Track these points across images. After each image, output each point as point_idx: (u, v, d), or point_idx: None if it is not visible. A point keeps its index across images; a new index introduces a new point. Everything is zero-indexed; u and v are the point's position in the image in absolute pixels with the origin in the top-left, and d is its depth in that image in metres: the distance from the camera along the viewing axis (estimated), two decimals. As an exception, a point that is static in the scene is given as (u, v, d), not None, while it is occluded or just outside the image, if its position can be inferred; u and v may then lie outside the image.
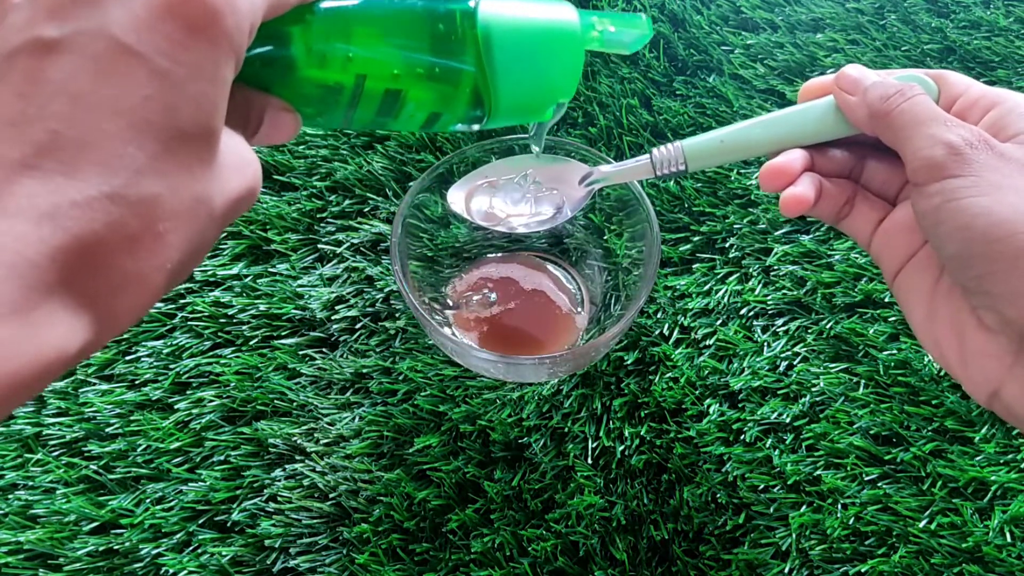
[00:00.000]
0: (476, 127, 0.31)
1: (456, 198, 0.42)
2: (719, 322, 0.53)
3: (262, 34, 0.25)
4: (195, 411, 0.50)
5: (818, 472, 0.48)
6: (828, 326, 0.53)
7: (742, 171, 0.59)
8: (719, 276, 0.55)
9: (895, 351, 0.51)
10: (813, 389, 0.50)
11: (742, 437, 0.49)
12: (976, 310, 0.29)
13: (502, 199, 0.42)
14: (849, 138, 0.35)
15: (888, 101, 0.31)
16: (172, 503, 0.47)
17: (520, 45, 0.29)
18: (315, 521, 0.47)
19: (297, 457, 0.49)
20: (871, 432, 0.49)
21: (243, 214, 0.24)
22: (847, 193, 0.35)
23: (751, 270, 0.55)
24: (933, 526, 0.46)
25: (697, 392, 0.51)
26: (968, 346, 0.30)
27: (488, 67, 0.28)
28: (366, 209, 0.58)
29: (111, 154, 0.20)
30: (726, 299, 0.54)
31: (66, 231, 0.19)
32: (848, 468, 0.48)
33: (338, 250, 0.56)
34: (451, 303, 0.51)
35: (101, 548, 0.46)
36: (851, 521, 0.46)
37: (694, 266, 0.56)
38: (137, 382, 0.51)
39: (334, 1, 0.27)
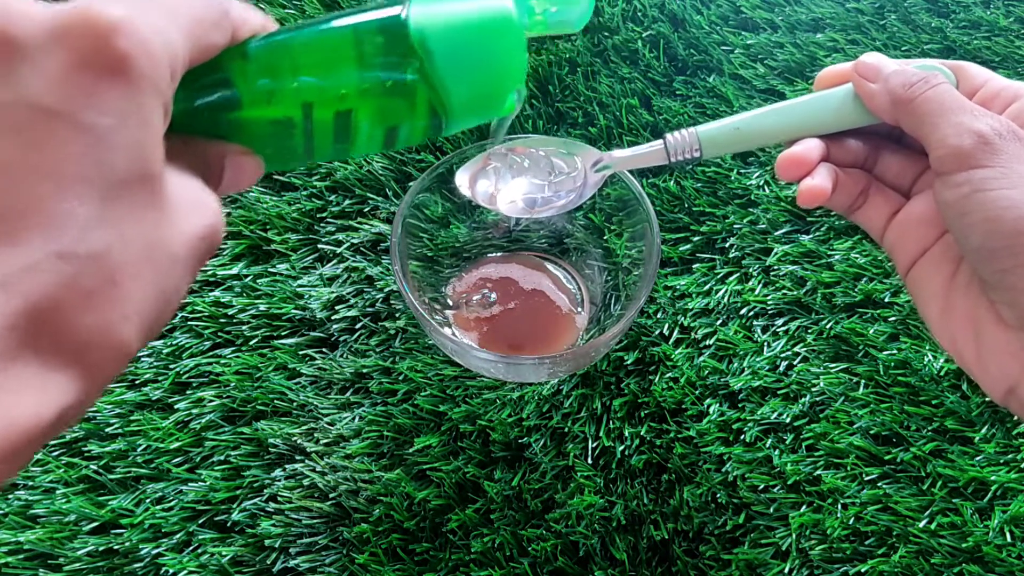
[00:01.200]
0: (439, 134, 0.31)
1: (463, 180, 0.41)
2: (719, 322, 0.53)
3: (203, 82, 0.25)
4: (195, 411, 0.50)
5: (818, 472, 0.48)
6: (828, 326, 0.53)
7: (742, 171, 0.59)
8: (719, 276, 0.55)
9: (895, 351, 0.51)
10: (813, 389, 0.50)
11: (742, 437, 0.49)
12: (996, 305, 0.29)
13: (511, 183, 0.41)
14: (863, 128, 0.35)
15: (912, 88, 0.31)
16: (172, 503, 0.47)
17: (459, 43, 0.29)
18: (315, 521, 0.47)
19: (297, 457, 0.49)
20: (871, 432, 0.49)
21: (210, 255, 0.24)
22: (861, 184, 0.34)
23: (751, 270, 0.55)
24: (933, 526, 0.46)
25: (697, 392, 0.51)
26: (985, 342, 0.29)
27: (432, 72, 0.28)
28: (366, 209, 0.58)
29: (52, 215, 0.19)
30: (726, 299, 0.54)
31: (20, 296, 0.19)
32: (848, 468, 0.48)
33: (338, 250, 0.56)
34: (451, 303, 0.51)
35: (101, 548, 0.46)
36: (851, 521, 0.46)
37: (694, 266, 0.56)
38: (137, 382, 0.51)
39: (267, 35, 0.27)
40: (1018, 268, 0.27)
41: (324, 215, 0.57)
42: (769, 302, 0.54)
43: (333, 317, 0.53)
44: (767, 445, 0.49)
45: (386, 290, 0.54)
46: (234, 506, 0.47)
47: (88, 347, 0.20)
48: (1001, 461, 0.48)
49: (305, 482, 0.48)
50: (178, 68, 0.22)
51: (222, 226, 0.25)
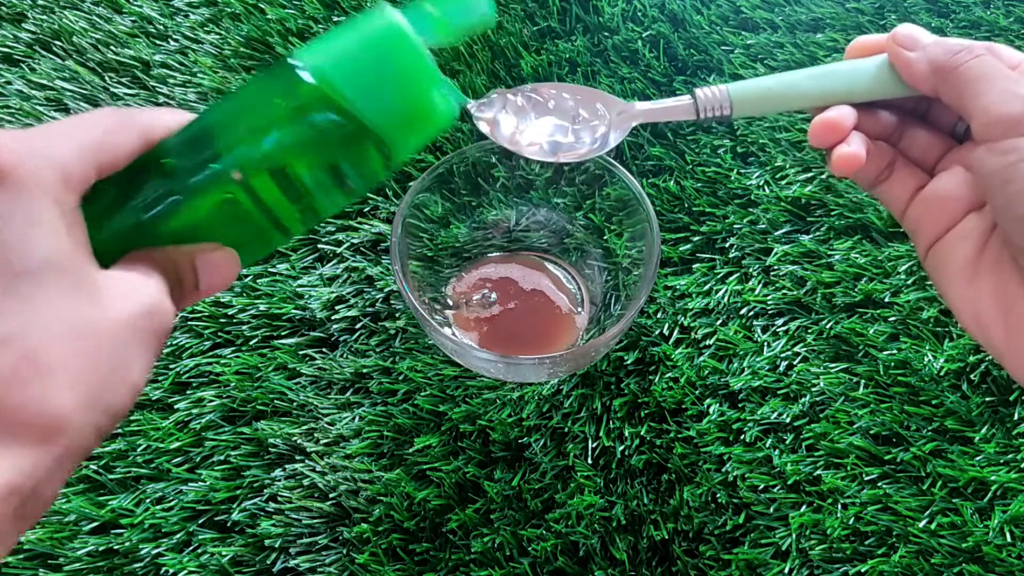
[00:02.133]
0: (393, 160, 0.31)
1: (484, 119, 0.37)
2: (719, 322, 0.53)
3: (138, 193, 0.27)
4: (195, 411, 0.50)
5: (818, 472, 0.48)
6: (828, 326, 0.53)
7: (742, 171, 0.59)
8: (719, 276, 0.55)
9: (895, 351, 0.51)
10: (813, 389, 0.50)
11: (742, 437, 0.49)
12: None
13: (533, 123, 0.38)
14: (891, 102, 0.34)
15: (955, 57, 0.30)
16: (172, 503, 0.47)
17: (355, 68, 0.29)
18: (315, 521, 0.47)
19: (297, 457, 0.49)
20: (871, 432, 0.49)
21: (162, 336, 0.25)
22: (888, 157, 0.34)
23: (751, 270, 0.55)
24: (933, 526, 0.46)
25: (697, 392, 0.51)
26: (1017, 320, 0.29)
27: (346, 104, 0.28)
28: (366, 209, 0.58)
29: None
30: (726, 299, 0.54)
31: None
32: (848, 468, 0.48)
33: (338, 250, 0.56)
34: (451, 303, 0.51)
35: (101, 548, 0.46)
36: (851, 521, 0.46)
37: (694, 266, 0.56)
38: (137, 382, 0.51)
39: (182, 128, 0.28)
40: None
41: (324, 215, 0.57)
42: (769, 302, 0.54)
43: (333, 317, 0.53)
44: (767, 445, 0.49)
45: (386, 290, 0.54)
46: (234, 506, 0.47)
47: (19, 423, 0.22)
48: (1001, 461, 0.48)
49: (305, 482, 0.48)
50: (73, 172, 0.24)
51: (164, 307, 0.26)
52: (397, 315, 0.54)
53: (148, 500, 0.47)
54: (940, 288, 0.32)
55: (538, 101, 0.38)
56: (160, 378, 0.51)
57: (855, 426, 0.49)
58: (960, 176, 0.32)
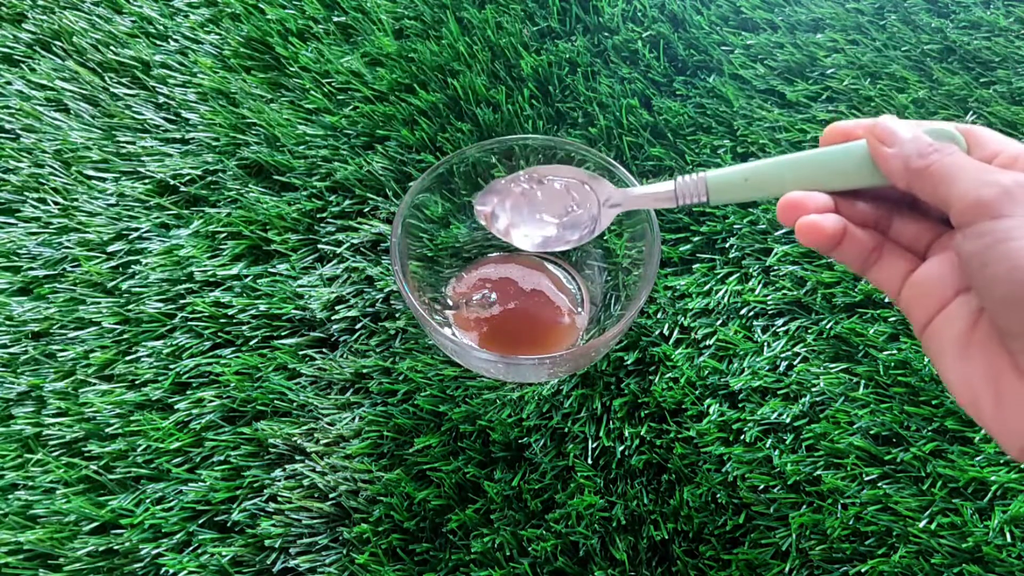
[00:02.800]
0: None
1: (482, 212, 0.43)
2: (719, 322, 0.53)
3: None
4: (195, 411, 0.50)
5: (818, 472, 0.48)
6: (828, 326, 0.53)
7: (742, 171, 0.59)
8: (719, 276, 0.55)
9: (895, 351, 0.51)
10: (813, 389, 0.50)
11: (742, 437, 0.49)
12: (1016, 356, 0.28)
13: (526, 217, 0.43)
14: (878, 191, 0.34)
15: (927, 158, 0.31)
16: (172, 503, 0.47)
17: None
18: (315, 521, 0.47)
19: (297, 457, 0.49)
20: (871, 432, 0.49)
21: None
22: (874, 242, 0.34)
23: (751, 270, 0.55)
24: (933, 526, 0.46)
25: (697, 392, 0.51)
26: (1005, 396, 0.29)
27: None
28: (366, 209, 0.58)
29: None
30: (726, 299, 0.54)
31: None
32: (848, 468, 0.48)
33: (338, 250, 0.56)
34: (451, 303, 0.51)
35: (101, 548, 0.46)
36: (851, 521, 0.46)
37: (694, 266, 0.56)
38: (137, 382, 0.51)
39: None
40: None
41: (324, 215, 0.57)
42: (769, 302, 0.54)
43: (333, 317, 0.53)
44: (767, 445, 0.49)
45: (386, 290, 0.54)
46: (234, 506, 0.47)
47: None
48: (1001, 461, 0.48)
49: (305, 482, 0.48)
50: None
51: None
52: (397, 315, 0.54)
53: (148, 500, 0.47)
54: (935, 365, 0.33)
55: (532, 194, 0.42)
56: (160, 378, 0.51)
57: (855, 426, 0.49)
58: (948, 260, 0.32)
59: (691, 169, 0.59)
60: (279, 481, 0.48)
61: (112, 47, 0.65)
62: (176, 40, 0.66)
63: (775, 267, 0.55)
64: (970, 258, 0.29)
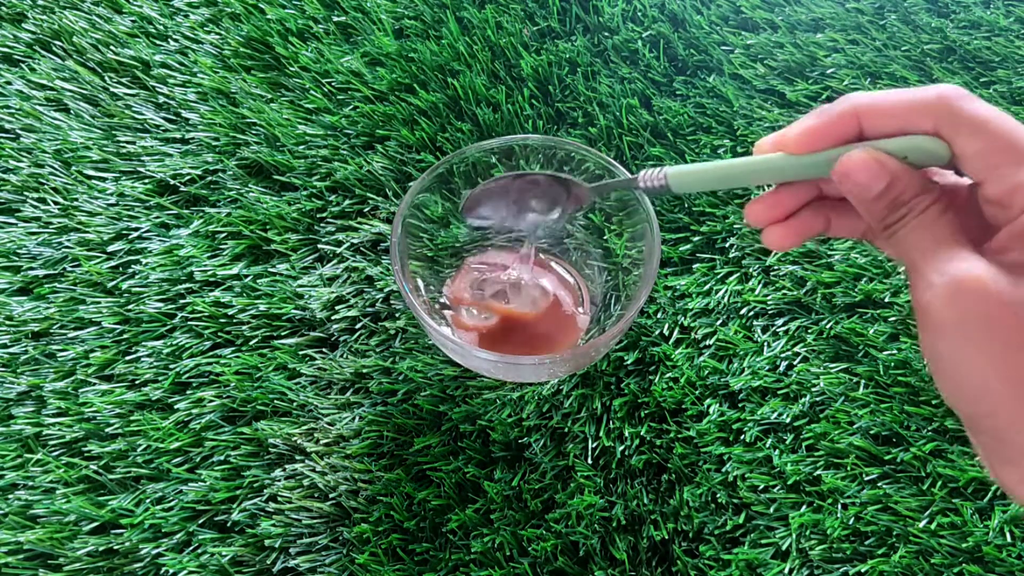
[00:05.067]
0: None
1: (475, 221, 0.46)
2: (719, 322, 0.53)
3: None
4: (195, 411, 0.50)
5: (818, 472, 0.48)
6: (828, 326, 0.53)
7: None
8: (719, 276, 0.55)
9: (895, 351, 0.51)
10: (813, 389, 0.50)
11: (742, 437, 0.49)
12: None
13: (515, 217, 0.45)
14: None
15: (893, 226, 0.28)
16: (172, 503, 0.47)
17: None
18: (315, 521, 0.47)
19: (297, 457, 0.49)
20: (871, 432, 0.49)
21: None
22: (819, 219, 0.33)
23: (751, 270, 0.55)
24: (933, 526, 0.46)
25: (697, 392, 0.51)
26: None
27: None
28: (366, 209, 0.58)
29: None
30: (726, 299, 0.54)
31: None
32: (848, 468, 0.48)
33: (338, 250, 0.56)
34: (448, 303, 0.51)
35: (101, 548, 0.46)
36: (851, 521, 0.46)
37: (694, 266, 0.56)
38: (137, 382, 0.51)
39: None
40: (983, 444, 0.27)
41: (324, 215, 0.57)
42: (769, 302, 0.54)
43: (333, 317, 0.53)
44: (767, 445, 0.49)
45: (386, 290, 0.54)
46: (234, 506, 0.47)
47: None
48: (1001, 461, 0.47)
49: (305, 482, 0.48)
50: None
51: None
52: (397, 315, 0.54)
53: (148, 500, 0.47)
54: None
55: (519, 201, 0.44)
56: (160, 378, 0.51)
57: (855, 426, 0.49)
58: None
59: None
60: (279, 481, 0.48)
61: (112, 47, 0.65)
62: (176, 40, 0.66)
63: (775, 267, 0.55)
64: (923, 324, 0.27)
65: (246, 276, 0.55)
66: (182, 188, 0.59)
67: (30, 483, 0.48)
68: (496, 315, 0.50)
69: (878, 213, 0.29)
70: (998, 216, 0.27)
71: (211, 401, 0.50)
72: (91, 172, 0.59)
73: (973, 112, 0.26)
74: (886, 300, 0.53)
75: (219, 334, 0.53)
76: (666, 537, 0.46)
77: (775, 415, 0.50)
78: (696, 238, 0.56)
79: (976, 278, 0.25)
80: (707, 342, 0.52)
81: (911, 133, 0.28)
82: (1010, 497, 0.27)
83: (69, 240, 0.56)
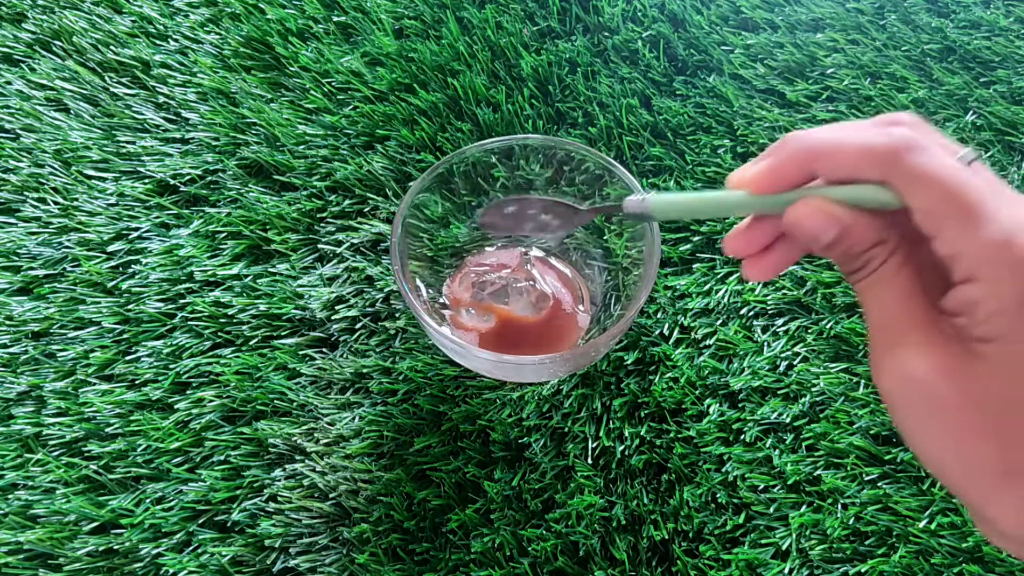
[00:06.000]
0: None
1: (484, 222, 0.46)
2: (719, 322, 0.53)
3: None
4: (195, 411, 0.50)
5: (818, 472, 0.48)
6: (828, 326, 0.53)
7: (742, 171, 0.59)
8: (719, 276, 0.55)
9: (895, 351, 0.51)
10: (813, 389, 0.50)
11: (742, 437, 0.49)
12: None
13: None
14: None
15: (852, 276, 0.28)
16: (172, 503, 0.47)
17: None
18: (315, 521, 0.47)
19: (297, 457, 0.49)
20: (871, 432, 0.49)
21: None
22: (793, 251, 0.32)
23: (751, 270, 0.55)
24: (933, 526, 0.46)
25: (697, 392, 0.51)
26: None
27: None
28: (366, 209, 0.58)
29: None
30: (726, 299, 0.54)
31: None
32: (848, 468, 0.48)
33: (338, 250, 0.56)
34: (447, 302, 0.51)
35: (101, 548, 0.46)
36: (851, 521, 0.46)
37: (694, 266, 0.56)
38: (137, 382, 0.51)
39: None
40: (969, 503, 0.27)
41: (324, 215, 0.57)
42: (769, 302, 0.54)
43: (333, 317, 0.53)
44: (767, 445, 0.49)
45: (386, 290, 0.54)
46: (234, 506, 0.47)
47: None
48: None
49: (305, 482, 0.48)
50: None
51: None
52: (397, 315, 0.54)
53: (148, 500, 0.47)
54: None
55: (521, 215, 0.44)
56: (160, 378, 0.51)
57: (855, 426, 0.49)
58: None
59: (690, 169, 0.59)
60: (279, 481, 0.48)
61: (112, 47, 0.65)
62: (176, 40, 0.66)
63: (775, 267, 0.55)
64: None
65: (246, 276, 0.55)
66: (182, 188, 0.59)
67: (30, 483, 0.48)
68: (495, 316, 0.50)
69: (836, 260, 0.29)
70: (950, 272, 0.26)
71: (211, 401, 0.50)
72: (91, 172, 0.59)
73: (923, 166, 0.25)
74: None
75: (219, 334, 0.53)
76: (666, 537, 0.46)
77: (775, 415, 0.50)
78: (696, 238, 0.56)
79: (920, 377, 0.25)
80: (707, 342, 0.52)
81: (862, 181, 0.27)
82: (993, 545, 0.29)
83: (69, 240, 0.56)
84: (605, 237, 0.52)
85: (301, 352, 0.52)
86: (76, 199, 0.58)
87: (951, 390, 0.25)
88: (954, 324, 0.26)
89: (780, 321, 0.53)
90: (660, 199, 0.36)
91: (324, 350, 0.53)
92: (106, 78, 0.64)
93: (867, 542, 0.46)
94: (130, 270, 0.55)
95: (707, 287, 0.54)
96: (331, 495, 0.48)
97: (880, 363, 0.27)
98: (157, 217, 0.57)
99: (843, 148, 0.27)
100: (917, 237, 0.27)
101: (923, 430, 0.26)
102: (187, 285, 0.54)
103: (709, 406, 0.50)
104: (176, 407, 0.50)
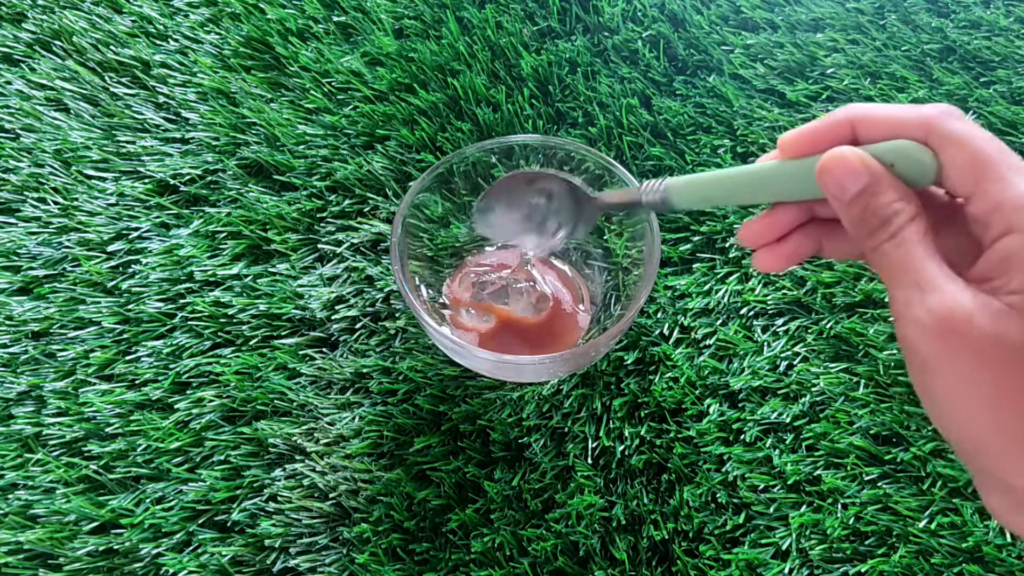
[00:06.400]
0: None
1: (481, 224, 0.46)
2: (719, 322, 0.53)
3: None
4: (195, 411, 0.50)
5: (818, 472, 0.48)
6: (828, 326, 0.53)
7: (742, 171, 0.59)
8: (719, 276, 0.55)
9: (895, 351, 0.51)
10: (813, 389, 0.50)
11: (742, 437, 0.49)
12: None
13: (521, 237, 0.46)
14: None
15: (872, 237, 0.28)
16: (172, 503, 0.47)
17: None
18: (315, 521, 0.47)
19: (297, 457, 0.49)
20: (871, 432, 0.49)
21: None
22: (812, 239, 0.33)
23: (751, 270, 0.55)
24: (933, 526, 0.46)
25: (697, 392, 0.51)
26: None
27: None
28: (366, 209, 0.58)
29: None
30: (726, 299, 0.54)
31: None
32: (848, 468, 0.48)
33: (338, 250, 0.56)
34: (447, 302, 0.51)
35: (101, 548, 0.46)
36: (851, 521, 0.46)
37: (694, 266, 0.56)
38: (137, 382, 0.51)
39: None
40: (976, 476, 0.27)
41: (324, 215, 0.57)
42: (769, 302, 0.54)
43: (333, 317, 0.53)
44: (767, 445, 0.49)
45: (386, 290, 0.54)
46: (234, 506, 0.47)
47: None
48: (1001, 461, 0.47)
49: (305, 482, 0.48)
50: None
51: None
52: (397, 315, 0.54)
53: (148, 500, 0.47)
54: None
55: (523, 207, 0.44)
56: (160, 378, 0.51)
57: (855, 426, 0.49)
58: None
59: (690, 169, 0.59)
60: (279, 481, 0.48)
61: (112, 47, 0.65)
62: (176, 40, 0.66)
63: (775, 267, 0.55)
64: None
65: (246, 276, 0.55)
66: (182, 188, 0.59)
67: (30, 483, 0.48)
68: (495, 317, 0.50)
69: (856, 218, 0.28)
70: (983, 236, 0.27)
71: (211, 401, 0.50)
72: (91, 172, 0.59)
73: (962, 127, 0.27)
74: (886, 300, 0.53)
75: (219, 334, 0.53)
76: (666, 537, 0.46)
77: (775, 415, 0.50)
78: (696, 238, 0.56)
79: (963, 315, 0.25)
80: (707, 342, 0.52)
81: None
82: (998, 521, 0.28)
83: (69, 240, 0.56)
84: (605, 237, 0.52)
85: (301, 352, 0.52)
86: (76, 199, 0.58)
87: (992, 346, 0.24)
88: (984, 290, 0.25)
89: (780, 321, 0.53)
90: (679, 181, 0.35)
91: (324, 350, 0.53)
92: (106, 78, 0.64)
93: (867, 542, 0.46)
94: (130, 270, 0.55)
95: (707, 287, 0.54)
96: (331, 495, 0.48)
97: (912, 311, 0.26)
98: (157, 217, 0.57)
99: (887, 111, 0.28)
100: (941, 217, 0.27)
101: (958, 383, 0.25)
102: (187, 285, 0.54)
103: (709, 406, 0.50)
104: (176, 407, 0.50)
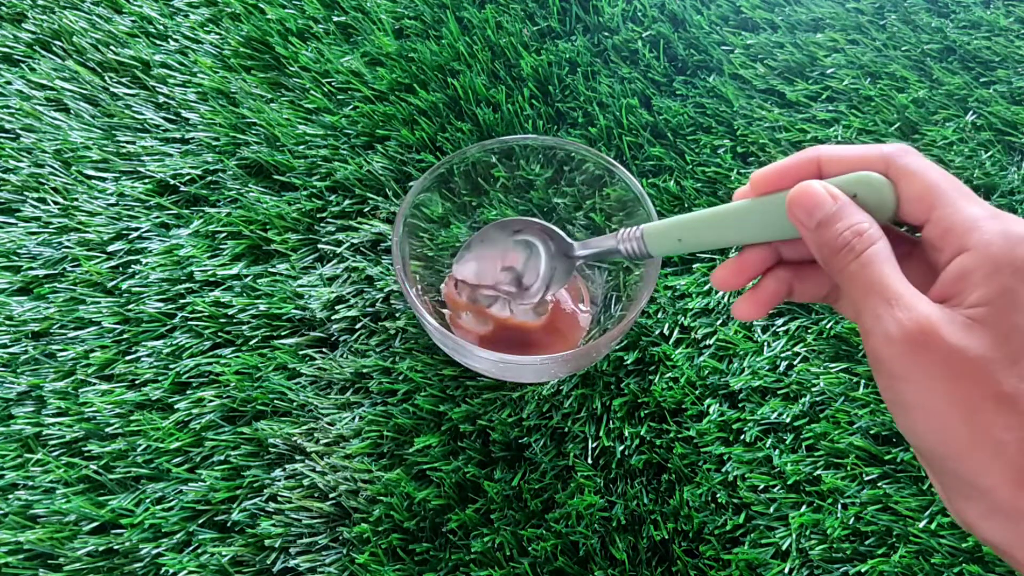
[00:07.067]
0: None
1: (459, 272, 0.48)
2: (719, 322, 0.53)
3: None
4: (195, 411, 0.50)
5: (818, 472, 0.48)
6: (828, 326, 0.53)
7: (742, 171, 0.59)
8: (719, 276, 0.55)
9: (895, 351, 0.51)
10: (813, 389, 0.50)
11: (742, 437, 0.49)
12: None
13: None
14: None
15: (840, 258, 0.29)
16: (172, 503, 0.47)
17: None
18: (315, 521, 0.47)
19: (297, 457, 0.49)
20: (871, 432, 0.49)
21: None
22: (783, 283, 0.34)
23: (751, 270, 0.55)
24: (933, 526, 0.46)
25: (697, 392, 0.51)
26: None
27: None
28: (366, 209, 0.58)
29: None
30: (726, 299, 0.54)
31: None
32: (848, 468, 0.48)
33: (338, 250, 0.56)
34: (444, 300, 0.51)
35: (101, 548, 0.46)
36: (851, 521, 0.46)
37: (694, 266, 0.56)
38: (137, 382, 0.51)
39: None
40: (944, 484, 0.28)
41: (324, 215, 0.57)
42: (769, 302, 0.54)
43: (333, 317, 0.53)
44: (767, 445, 0.49)
45: (386, 290, 0.54)
46: (234, 506, 0.47)
47: None
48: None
49: (305, 482, 0.48)
50: None
51: None
52: (397, 315, 0.54)
53: (148, 500, 0.47)
54: None
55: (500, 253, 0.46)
56: (160, 378, 0.51)
57: (855, 426, 0.49)
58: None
59: (690, 169, 0.59)
60: (279, 481, 0.48)
61: (112, 47, 0.65)
62: (176, 40, 0.66)
63: (775, 267, 0.55)
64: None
65: (246, 276, 0.55)
66: (182, 188, 0.59)
67: (30, 483, 0.48)
68: (493, 320, 0.50)
69: (824, 242, 0.30)
70: (938, 261, 0.28)
71: (211, 401, 0.50)
72: (91, 172, 0.59)
73: (917, 161, 0.29)
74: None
75: (219, 334, 0.53)
76: (666, 537, 0.46)
77: (775, 415, 0.50)
78: (696, 238, 0.56)
79: (932, 329, 0.26)
80: (707, 342, 0.52)
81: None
82: (969, 531, 0.28)
83: (69, 240, 0.56)
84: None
85: (301, 352, 0.52)
86: (76, 199, 0.58)
87: (962, 359, 0.25)
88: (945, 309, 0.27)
89: (780, 321, 0.53)
90: (655, 226, 0.38)
91: (324, 350, 0.53)
92: (106, 78, 0.64)
93: (867, 542, 0.46)
94: (130, 270, 0.55)
95: (707, 287, 0.54)
96: (331, 495, 0.48)
97: (879, 321, 0.27)
98: (157, 217, 0.57)
99: (849, 149, 0.31)
100: (900, 255, 0.29)
101: (932, 395, 0.26)
102: (187, 285, 0.54)
103: (709, 406, 0.50)
104: (176, 407, 0.50)
